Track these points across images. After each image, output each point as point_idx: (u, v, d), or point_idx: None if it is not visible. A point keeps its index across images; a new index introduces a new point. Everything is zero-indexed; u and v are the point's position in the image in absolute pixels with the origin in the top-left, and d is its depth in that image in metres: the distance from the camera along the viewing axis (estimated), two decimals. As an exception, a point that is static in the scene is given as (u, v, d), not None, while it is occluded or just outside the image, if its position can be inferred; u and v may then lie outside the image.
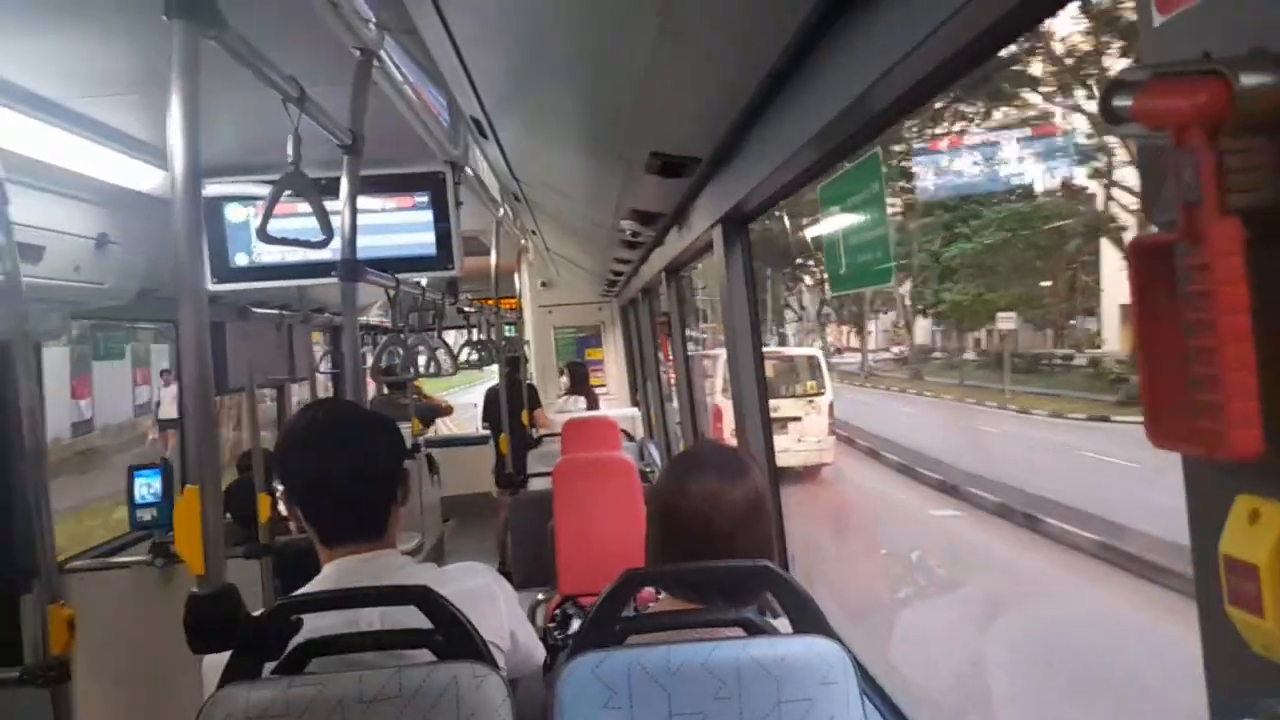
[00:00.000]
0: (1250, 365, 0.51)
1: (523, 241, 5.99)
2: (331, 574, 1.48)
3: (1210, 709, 0.66)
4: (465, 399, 13.05)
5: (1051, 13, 1.00)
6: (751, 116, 1.63)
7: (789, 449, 10.77)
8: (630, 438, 6.38)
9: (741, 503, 1.39)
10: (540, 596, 3.87)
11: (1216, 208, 0.52)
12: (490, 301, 5.30)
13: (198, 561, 1.23)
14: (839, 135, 1.36)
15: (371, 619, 1.43)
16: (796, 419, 11.56)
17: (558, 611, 1.78)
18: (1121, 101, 0.58)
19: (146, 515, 3.53)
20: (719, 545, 1.37)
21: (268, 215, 1.76)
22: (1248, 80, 0.51)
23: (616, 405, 7.93)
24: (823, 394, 12.07)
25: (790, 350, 15.43)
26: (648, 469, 4.83)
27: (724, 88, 1.57)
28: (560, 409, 6.69)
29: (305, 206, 2.00)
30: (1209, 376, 0.53)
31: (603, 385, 8.30)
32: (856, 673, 1.27)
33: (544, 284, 8.31)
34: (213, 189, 3.02)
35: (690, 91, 1.63)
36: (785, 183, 1.71)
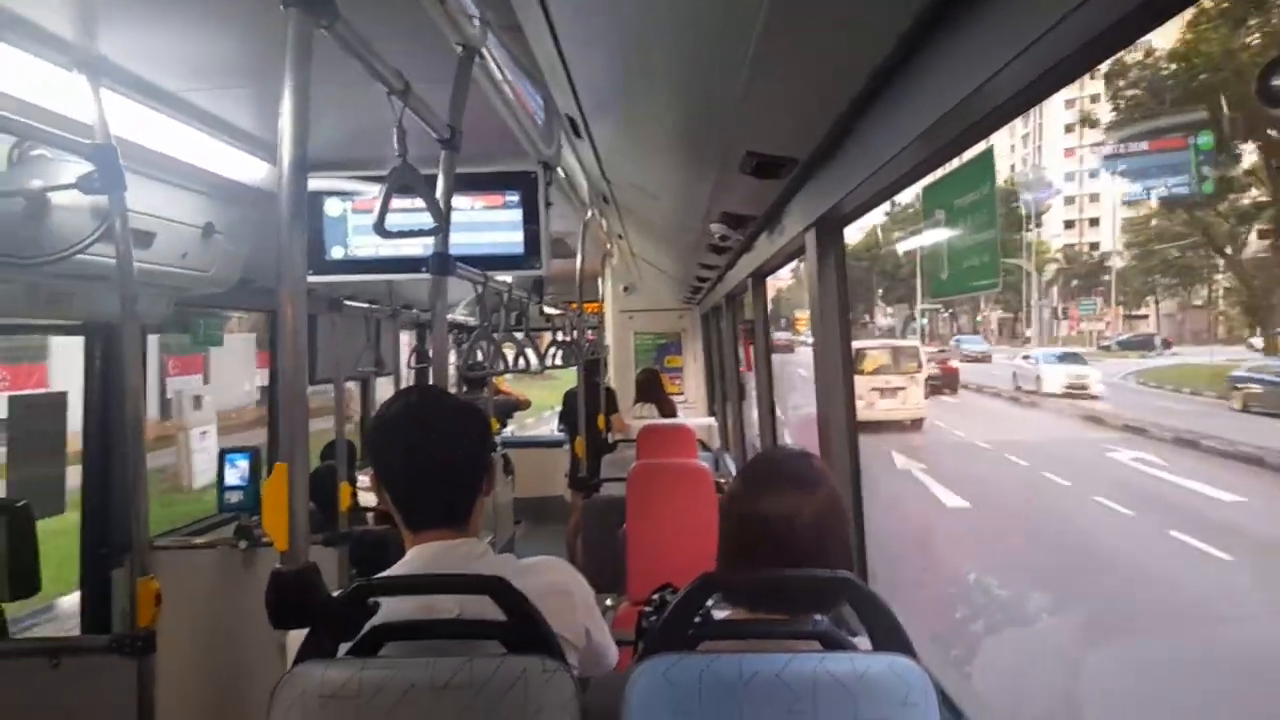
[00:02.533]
0: None
1: (608, 245, 6.02)
2: (414, 558, 1.50)
3: None
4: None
5: (1178, 10, 0.95)
6: (853, 115, 1.59)
7: (898, 408, 17.18)
8: (706, 447, 6.35)
9: (818, 515, 1.35)
10: (609, 603, 3.87)
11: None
12: (574, 305, 5.34)
13: (282, 538, 1.25)
14: (949, 133, 1.31)
15: (449, 606, 1.44)
16: (903, 388, 17.57)
17: (655, 596, 1.76)
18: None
19: (234, 498, 3.65)
20: (796, 557, 1.33)
21: (384, 209, 1.79)
22: None
23: (694, 414, 7.90)
24: (920, 372, 18.27)
25: (900, 342, 22.50)
26: (723, 480, 4.78)
27: (827, 85, 1.53)
28: (636, 416, 6.69)
29: (405, 201, 2.04)
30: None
31: (680, 394, 8.28)
32: (937, 695, 1.22)
33: (626, 289, 8.34)
34: (314, 183, 3.11)
35: (792, 90, 1.60)
36: (886, 184, 1.66)
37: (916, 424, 17.31)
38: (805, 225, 2.20)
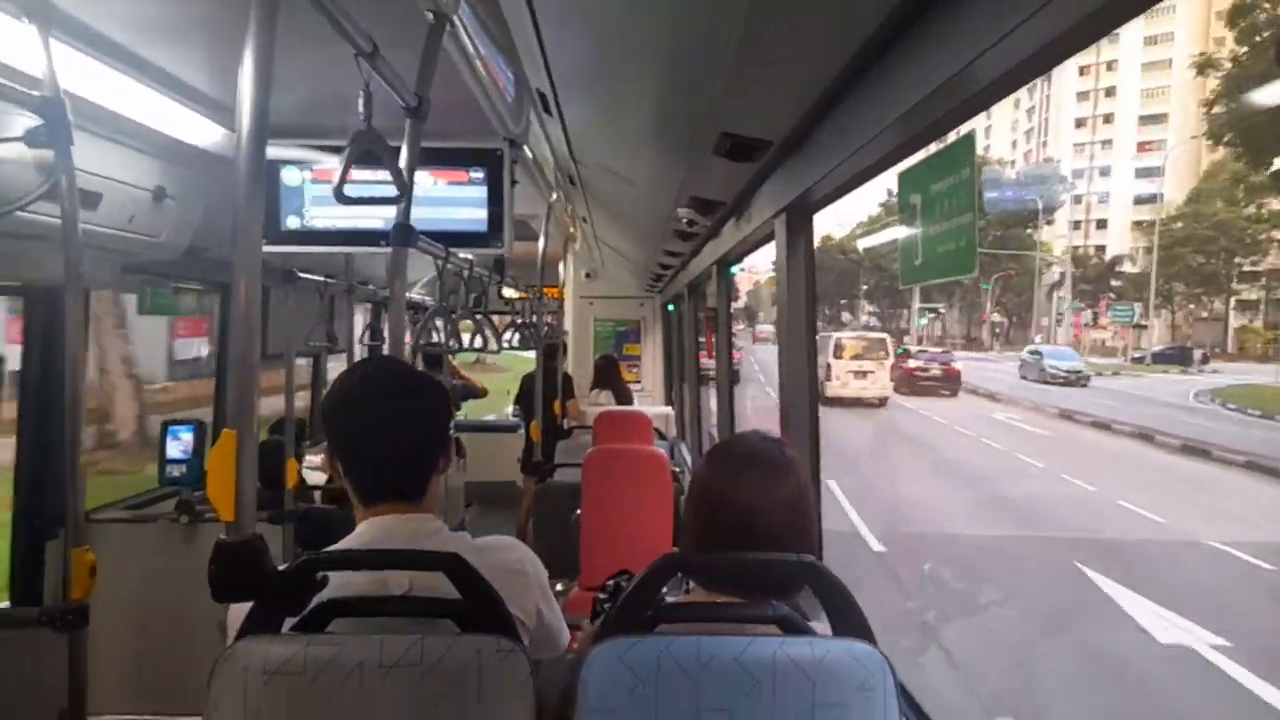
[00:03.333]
0: None
1: (572, 229, 5.98)
2: (366, 532, 1.46)
3: None
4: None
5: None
6: (831, 99, 1.58)
7: (868, 388, 21.84)
8: (662, 436, 6.35)
9: (788, 499, 1.35)
10: (560, 588, 3.85)
11: None
12: (535, 288, 5.30)
13: (228, 508, 1.19)
14: (927, 118, 1.30)
15: (401, 582, 1.40)
16: (872, 371, 22.01)
17: (610, 582, 1.74)
18: None
19: (176, 471, 3.56)
20: (762, 541, 1.33)
21: (344, 175, 1.74)
22: None
23: (651, 403, 7.90)
24: (888, 359, 22.72)
25: (871, 334, 25.40)
26: (678, 469, 4.78)
27: (805, 71, 1.52)
28: (592, 402, 6.67)
29: (365, 171, 1.98)
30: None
31: (638, 382, 8.28)
32: (895, 682, 1.22)
33: (588, 275, 8.33)
34: (272, 151, 3.01)
35: (771, 72, 1.58)
36: (860, 169, 1.65)
37: (882, 401, 22.18)
38: (776, 210, 2.18)
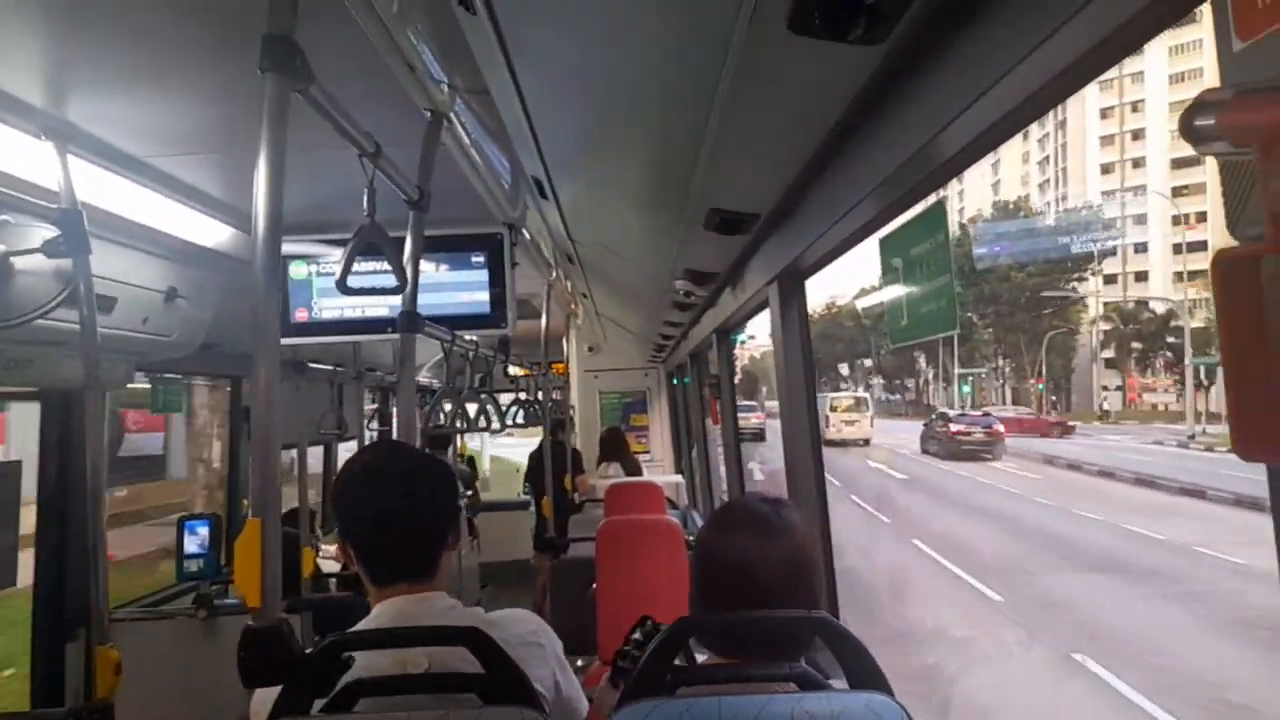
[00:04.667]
0: None
1: (573, 305, 6.07)
2: (382, 614, 1.49)
3: None
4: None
5: (1112, 64, 1.02)
6: (813, 172, 1.66)
7: (855, 431, 30.89)
8: (674, 505, 6.33)
9: (783, 559, 1.38)
10: (580, 663, 3.82)
11: (1309, 219, 0.53)
12: (539, 365, 5.36)
13: (254, 594, 1.23)
14: (903, 185, 1.38)
15: (419, 660, 1.43)
16: (858, 420, 31.30)
17: (636, 634, 1.75)
18: (1204, 120, 0.59)
19: (194, 566, 3.58)
20: (765, 599, 1.36)
21: (347, 267, 1.82)
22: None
23: (661, 472, 7.89)
24: (868, 412, 32.69)
25: (856, 394, 34.48)
26: (691, 536, 4.77)
27: (785, 147, 1.60)
28: (600, 475, 6.66)
29: (370, 263, 2.07)
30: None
31: (646, 452, 8.28)
32: None
33: (591, 349, 8.38)
34: (283, 247, 3.11)
35: (752, 150, 1.67)
36: (845, 236, 1.73)
37: (866, 442, 30.60)
38: (768, 279, 2.25)
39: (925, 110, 1.19)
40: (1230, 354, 0.59)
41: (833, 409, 30.70)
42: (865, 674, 1.32)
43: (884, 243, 1.59)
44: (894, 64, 1.20)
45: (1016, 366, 46.12)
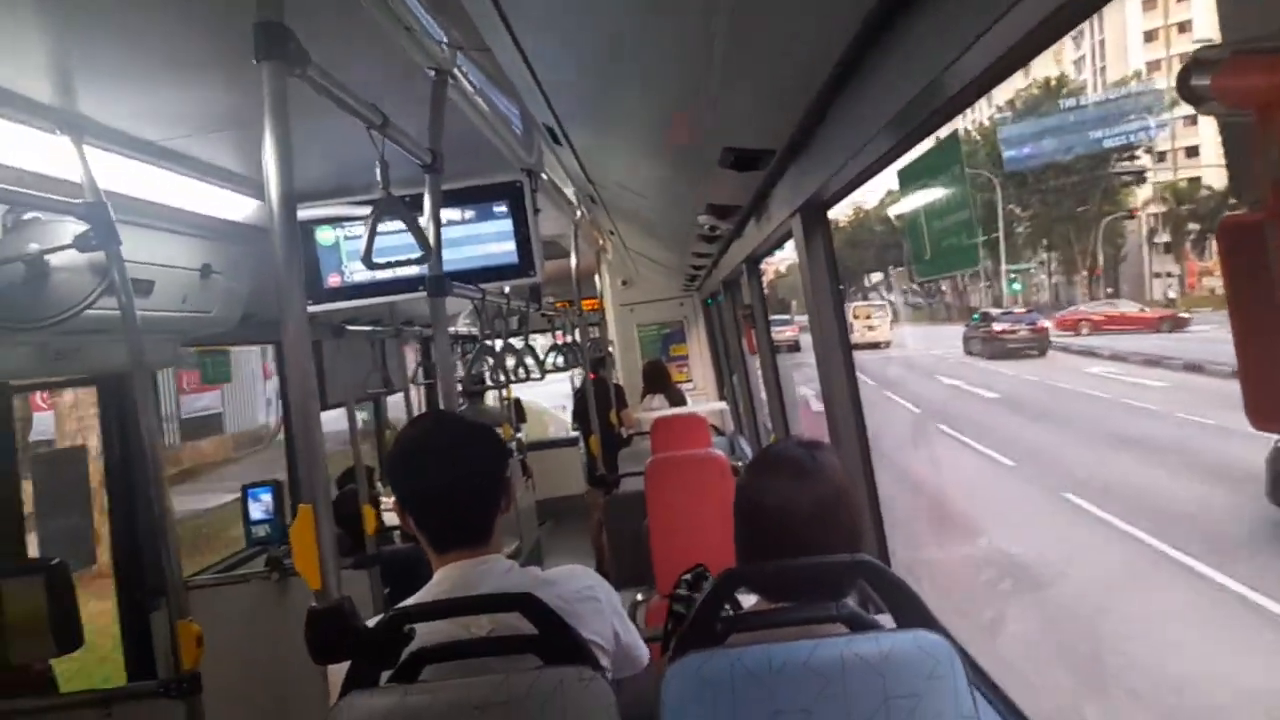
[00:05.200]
0: None
1: (601, 242, 6.04)
2: (443, 579, 1.55)
3: None
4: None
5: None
6: (824, 105, 1.62)
7: (875, 335, 30.99)
8: (720, 433, 6.36)
9: (818, 501, 1.39)
10: (639, 597, 3.91)
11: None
12: (571, 304, 5.37)
13: (315, 577, 1.28)
14: (915, 118, 1.34)
15: (482, 623, 1.49)
16: (878, 325, 31.67)
17: (688, 575, 1.79)
18: (1200, 80, 0.56)
19: (261, 531, 3.72)
20: (796, 543, 1.38)
21: (371, 242, 1.84)
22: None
23: (704, 400, 7.92)
24: (886, 317, 33.04)
25: (871, 303, 34.77)
26: (739, 463, 4.81)
27: (795, 78, 1.56)
28: (645, 409, 6.71)
29: (393, 225, 2.07)
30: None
31: (689, 381, 8.30)
32: (965, 665, 1.25)
33: (624, 283, 8.36)
34: (303, 214, 3.13)
35: (761, 84, 1.63)
36: (863, 168, 1.69)
37: (887, 343, 31.50)
38: (790, 212, 2.22)
39: (935, 39, 1.15)
40: (1239, 322, 0.57)
41: (855, 316, 31.55)
42: (911, 612, 1.34)
43: (902, 174, 1.56)
44: None
45: (1065, 259, 42.75)
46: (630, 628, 1.67)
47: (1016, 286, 42.84)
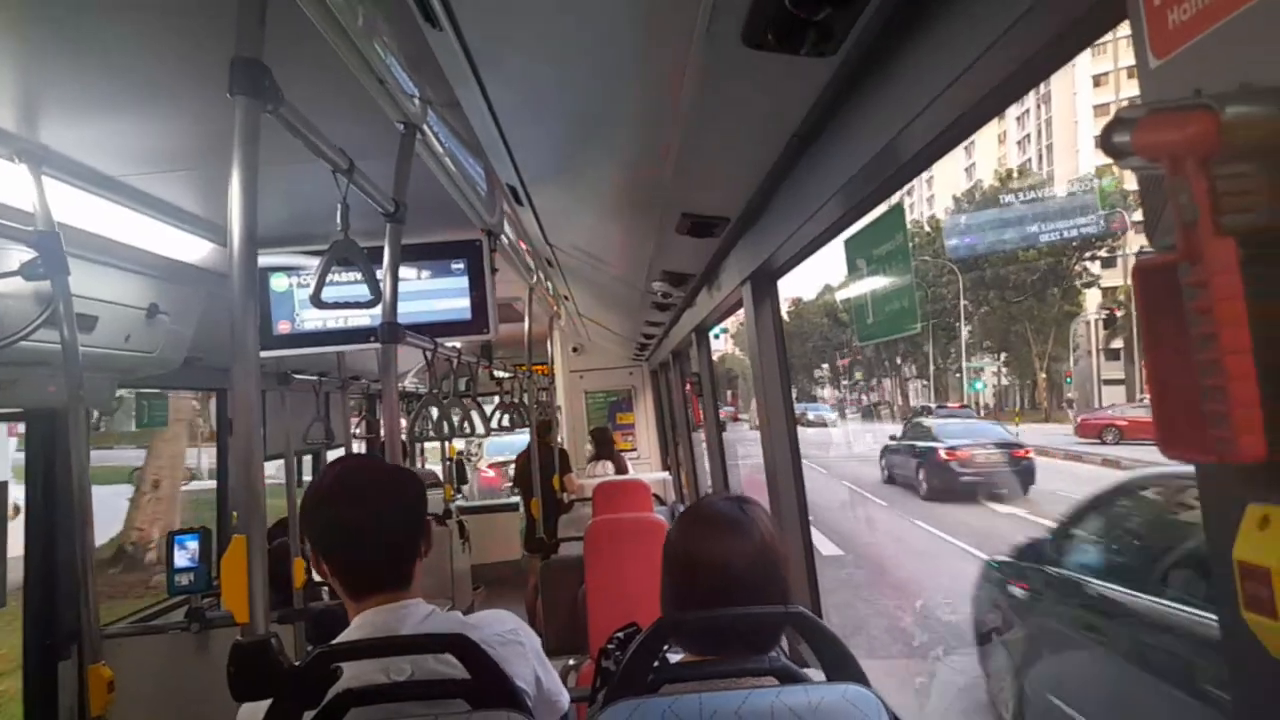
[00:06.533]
0: (1251, 375, 0.55)
1: (555, 308, 6.09)
2: (362, 624, 1.52)
3: (1234, 715, 0.68)
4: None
5: (1055, 69, 1.06)
6: (778, 176, 1.70)
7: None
8: (662, 501, 6.36)
9: (753, 555, 1.41)
10: (572, 662, 3.85)
11: (1211, 228, 0.57)
12: (523, 367, 5.38)
13: (242, 610, 1.26)
14: (863, 189, 1.42)
15: (402, 667, 1.45)
16: None
17: (619, 634, 1.78)
18: (1121, 137, 0.63)
19: (184, 580, 3.59)
20: (735, 595, 1.38)
21: (321, 281, 1.84)
22: (1234, 112, 0.56)
23: (648, 469, 7.92)
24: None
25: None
26: (680, 533, 4.79)
27: (751, 152, 1.64)
28: (590, 474, 6.70)
29: (348, 275, 2.09)
30: (1215, 388, 0.57)
31: (633, 449, 8.31)
32: (890, 719, 1.27)
33: (575, 349, 8.40)
34: (261, 259, 3.12)
35: (719, 156, 1.71)
36: (812, 238, 1.77)
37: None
38: (741, 279, 2.29)
39: (880, 117, 1.23)
40: (1152, 358, 0.63)
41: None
42: (841, 665, 1.36)
43: (849, 243, 1.63)
44: (847, 74, 1.24)
45: (1014, 360, 39.89)
46: (552, 673, 1.66)
47: (980, 385, 38.83)
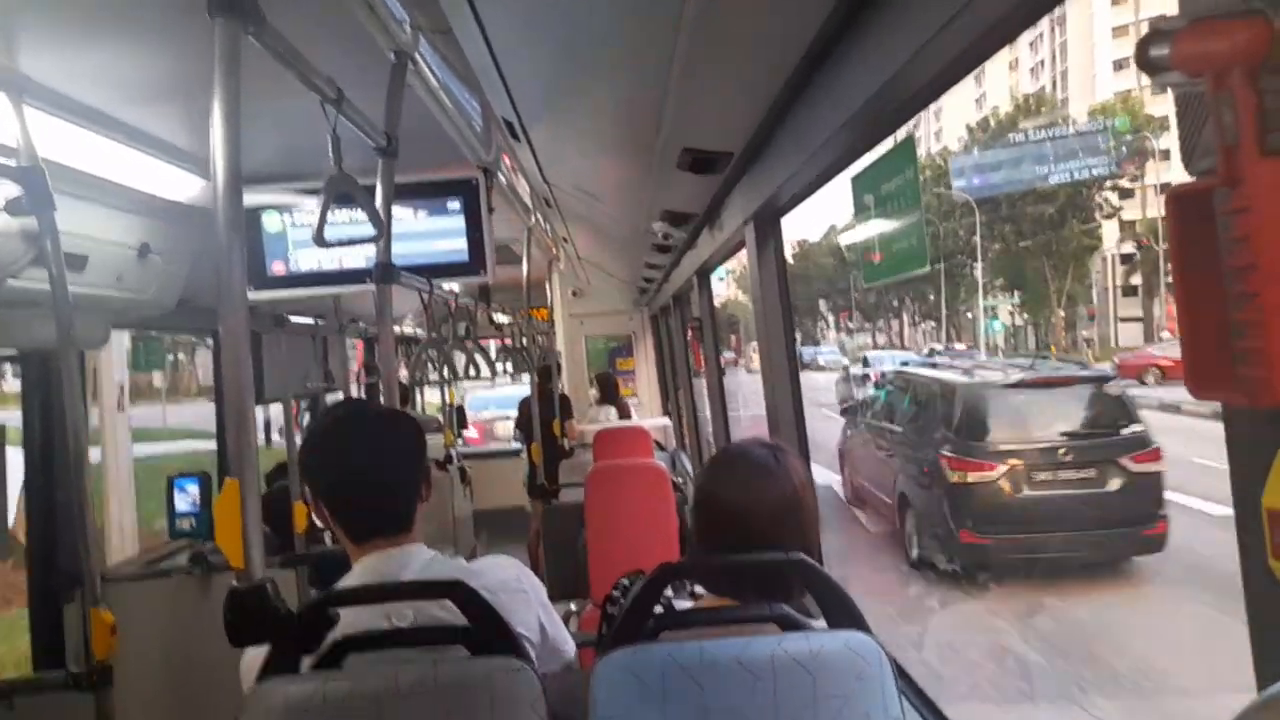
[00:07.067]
0: None
1: (554, 250, 6.04)
2: (363, 570, 1.51)
3: (1255, 665, 0.65)
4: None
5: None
6: (782, 109, 1.64)
7: None
8: (662, 447, 6.38)
9: (778, 498, 1.40)
10: (574, 608, 3.89)
11: (1257, 148, 0.52)
12: (522, 311, 5.35)
13: (237, 555, 1.24)
14: (869, 122, 1.37)
15: (405, 613, 1.45)
16: None
17: (625, 580, 1.78)
18: (1159, 50, 0.58)
19: (185, 524, 3.60)
20: (755, 540, 1.38)
21: (323, 219, 1.79)
22: (1291, 18, 0.51)
23: (648, 415, 7.93)
24: None
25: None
26: (679, 479, 4.82)
27: (754, 82, 1.58)
28: (592, 419, 6.71)
29: (344, 213, 2.04)
30: (1252, 322, 0.53)
31: (634, 395, 8.31)
32: (892, 667, 1.26)
33: (575, 293, 8.35)
34: (251, 198, 3.07)
35: (721, 87, 1.65)
36: (817, 173, 1.71)
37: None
38: (744, 219, 2.24)
39: (888, 44, 1.18)
40: (1184, 290, 0.59)
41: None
42: (843, 613, 1.36)
43: (856, 180, 1.58)
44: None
45: (1032, 299, 37.13)
46: (556, 620, 1.65)
47: (997, 324, 37.11)
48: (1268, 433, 0.59)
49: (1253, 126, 0.53)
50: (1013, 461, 7.53)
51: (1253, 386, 0.53)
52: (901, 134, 1.40)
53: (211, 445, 4.19)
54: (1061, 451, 7.58)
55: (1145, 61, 0.59)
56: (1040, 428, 7.84)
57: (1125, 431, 7.67)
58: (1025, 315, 38.13)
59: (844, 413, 12.31)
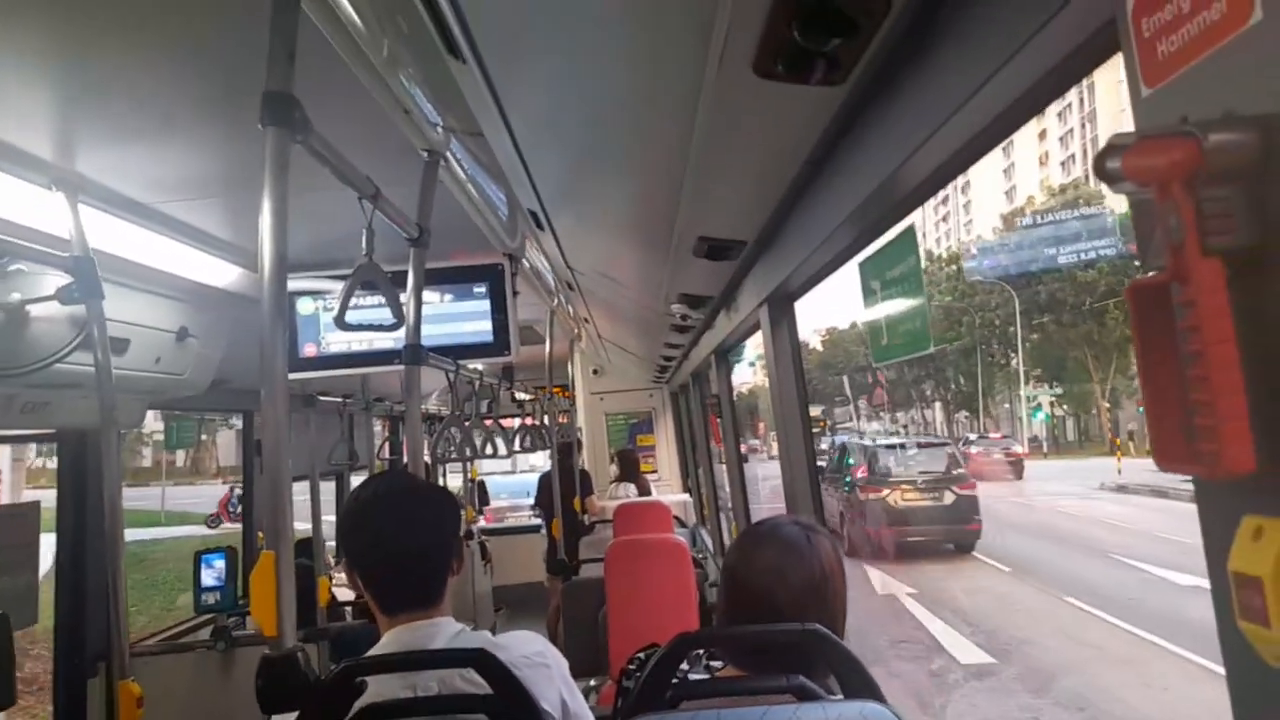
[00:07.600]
0: (1238, 389, 0.57)
1: (575, 330, 6.13)
2: (392, 640, 1.54)
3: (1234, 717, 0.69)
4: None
5: (1054, 99, 1.08)
6: (791, 202, 1.73)
7: None
8: (683, 524, 6.36)
9: (806, 578, 1.40)
10: (593, 683, 3.85)
11: (1198, 249, 0.59)
12: (544, 389, 5.43)
13: (271, 624, 1.29)
14: (873, 213, 1.45)
15: (429, 684, 1.47)
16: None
17: (640, 654, 1.79)
18: (1113, 163, 0.65)
19: (211, 599, 3.64)
20: (780, 619, 1.38)
21: (344, 304, 1.88)
22: (1216, 139, 0.59)
23: (668, 492, 7.92)
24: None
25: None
26: (699, 555, 4.81)
27: (764, 177, 1.67)
28: (612, 496, 6.71)
29: (372, 298, 2.13)
30: (1204, 402, 0.59)
31: (654, 471, 8.30)
32: None
33: (595, 371, 8.41)
34: (290, 284, 3.17)
35: (735, 180, 1.74)
36: (826, 260, 1.80)
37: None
38: (758, 302, 2.32)
39: (889, 143, 1.26)
40: (1146, 375, 0.65)
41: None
42: (859, 684, 1.36)
43: (863, 266, 1.66)
44: (855, 103, 1.27)
45: (1072, 391, 35.61)
46: (578, 697, 1.66)
47: (1041, 415, 35.19)
48: (1231, 503, 0.64)
49: (1194, 231, 0.60)
50: (898, 486, 14.08)
51: (1209, 460, 0.59)
52: (904, 224, 1.48)
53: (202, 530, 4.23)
54: (921, 482, 13.98)
55: (1102, 172, 0.67)
56: (912, 469, 14.60)
57: (955, 472, 14.40)
58: (1065, 407, 36.97)
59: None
